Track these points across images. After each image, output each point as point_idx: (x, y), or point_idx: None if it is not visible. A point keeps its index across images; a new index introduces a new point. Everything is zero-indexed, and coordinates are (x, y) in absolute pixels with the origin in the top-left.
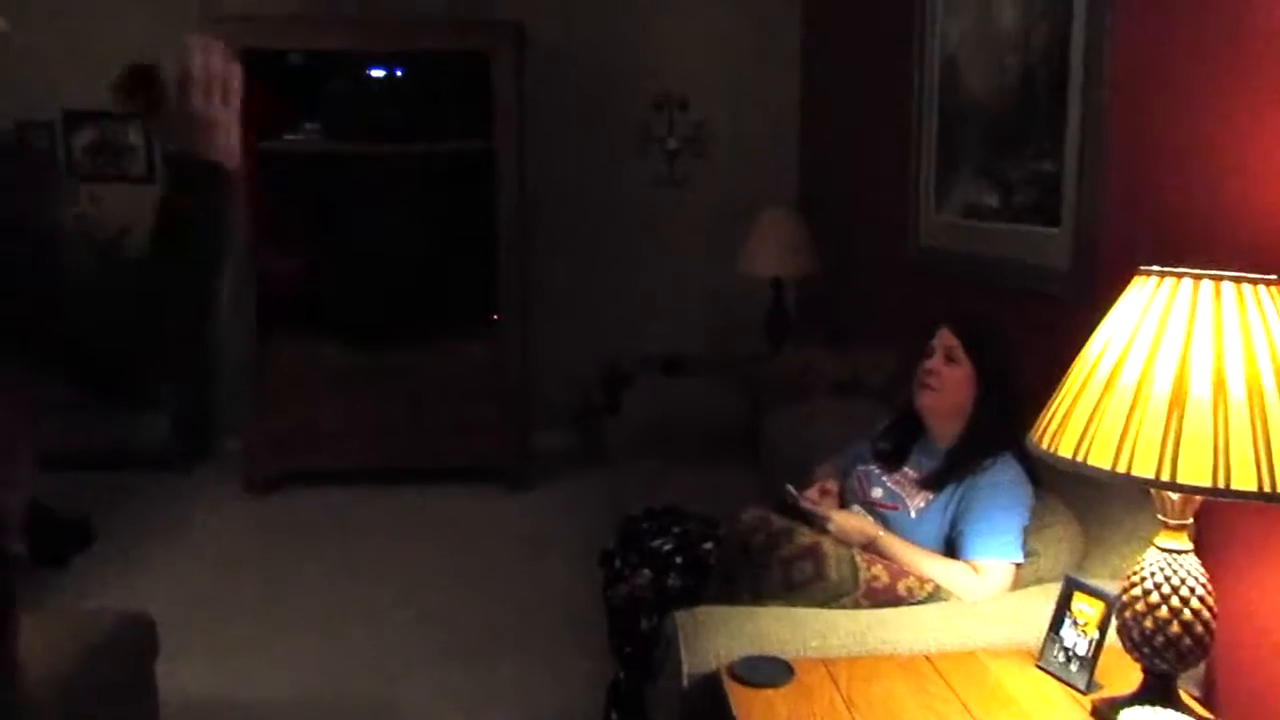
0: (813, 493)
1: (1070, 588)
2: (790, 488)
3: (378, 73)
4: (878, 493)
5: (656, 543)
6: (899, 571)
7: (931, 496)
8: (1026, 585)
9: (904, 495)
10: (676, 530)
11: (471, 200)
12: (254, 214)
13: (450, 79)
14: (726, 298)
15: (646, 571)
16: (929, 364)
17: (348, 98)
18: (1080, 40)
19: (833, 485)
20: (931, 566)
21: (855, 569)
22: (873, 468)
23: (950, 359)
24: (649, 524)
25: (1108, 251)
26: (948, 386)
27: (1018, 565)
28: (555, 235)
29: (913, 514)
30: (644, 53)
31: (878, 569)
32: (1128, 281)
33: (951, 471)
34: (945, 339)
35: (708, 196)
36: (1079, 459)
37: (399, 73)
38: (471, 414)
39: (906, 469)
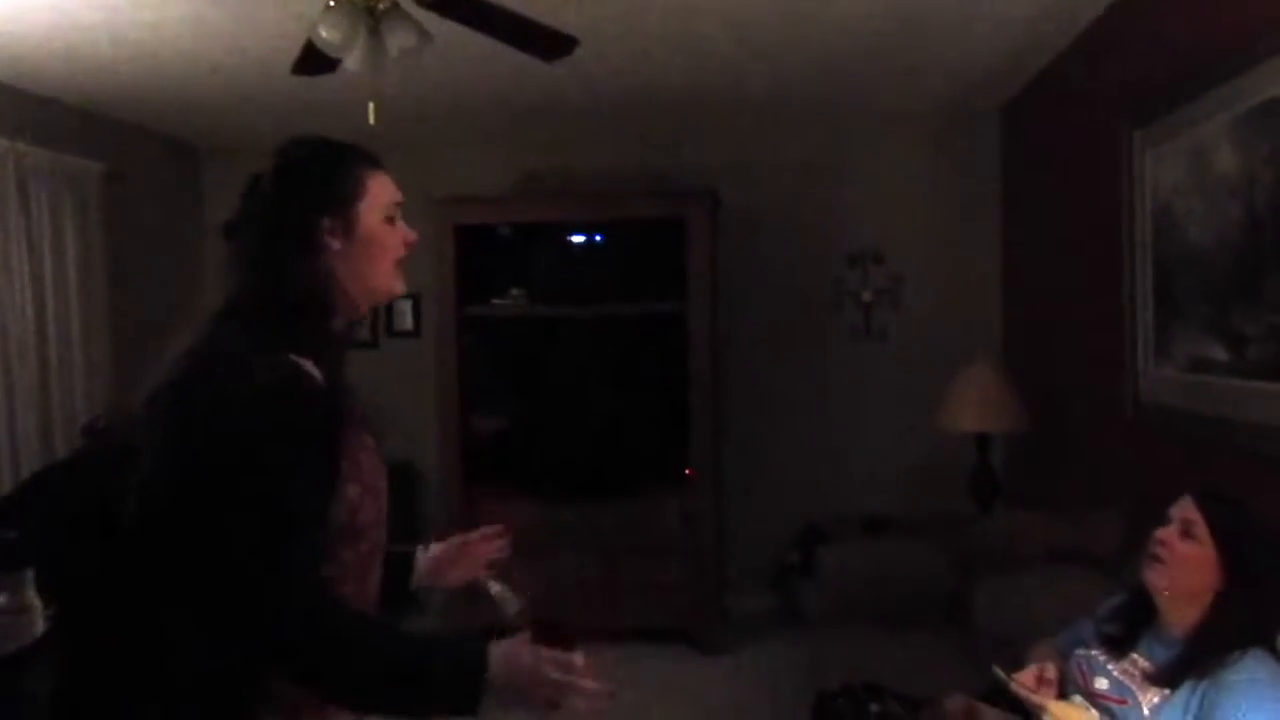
0: (1027, 677)
1: None
2: (999, 670)
3: (578, 239)
4: (1102, 683)
5: None
6: None
7: (1168, 692)
8: None
9: (1134, 688)
10: (875, 709)
11: (666, 358)
12: (460, 375)
13: (646, 243)
14: (927, 454)
15: None
16: (1160, 533)
17: (550, 264)
18: None
19: (1052, 672)
20: None
21: None
22: (1096, 653)
23: (1187, 534)
24: (845, 701)
25: None
26: (1177, 563)
27: None
28: (749, 390)
29: (1145, 710)
30: (837, 210)
31: None
32: None
33: (1191, 664)
34: (1185, 510)
35: (906, 349)
36: None
37: (598, 239)
38: (663, 572)
39: (1136, 657)
